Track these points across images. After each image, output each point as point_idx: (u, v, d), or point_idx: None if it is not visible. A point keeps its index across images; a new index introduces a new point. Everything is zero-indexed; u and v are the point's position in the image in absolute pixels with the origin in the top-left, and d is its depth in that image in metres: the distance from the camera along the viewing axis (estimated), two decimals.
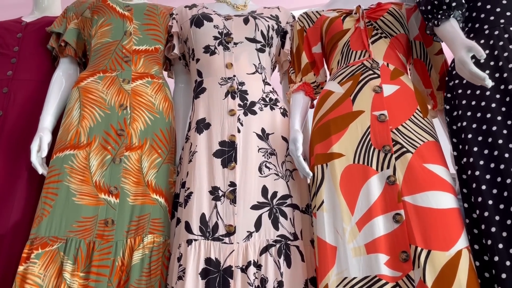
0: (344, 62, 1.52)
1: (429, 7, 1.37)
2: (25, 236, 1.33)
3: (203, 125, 1.46)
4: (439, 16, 1.33)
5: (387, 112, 1.33)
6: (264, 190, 1.35)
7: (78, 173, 1.34)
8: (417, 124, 1.33)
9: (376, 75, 1.41)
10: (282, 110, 1.54)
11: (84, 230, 1.27)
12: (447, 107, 1.37)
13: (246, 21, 1.61)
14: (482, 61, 1.30)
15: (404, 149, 1.27)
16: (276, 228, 1.30)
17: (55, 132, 1.50)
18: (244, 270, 1.23)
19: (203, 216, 1.30)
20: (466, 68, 1.16)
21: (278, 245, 1.27)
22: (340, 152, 1.32)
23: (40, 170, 1.38)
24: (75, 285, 1.19)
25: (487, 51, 1.31)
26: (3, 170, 1.45)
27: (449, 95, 1.38)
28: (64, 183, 1.32)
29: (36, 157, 1.38)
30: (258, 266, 1.24)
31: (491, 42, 1.31)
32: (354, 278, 1.15)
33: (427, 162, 1.25)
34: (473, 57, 1.19)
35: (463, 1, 1.35)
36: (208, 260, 1.24)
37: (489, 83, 1.12)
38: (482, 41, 1.34)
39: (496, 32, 1.32)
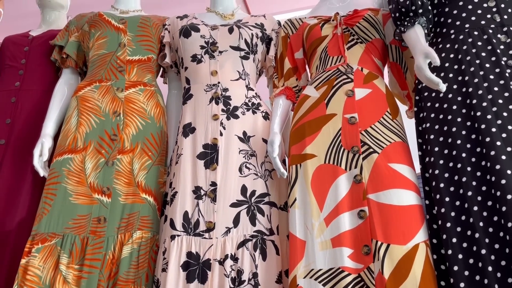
0: (321, 67, 1.60)
1: (397, 14, 1.45)
2: (29, 232, 1.48)
3: (189, 129, 1.58)
4: (405, 23, 1.41)
5: (357, 114, 1.42)
6: (244, 189, 1.46)
7: (75, 175, 1.48)
8: (386, 125, 1.41)
9: (349, 80, 1.49)
10: (263, 114, 1.64)
11: (79, 227, 1.41)
12: (415, 109, 1.45)
13: (230, 30, 1.72)
14: (447, 65, 1.37)
15: (371, 150, 1.35)
16: (253, 224, 1.41)
17: (56, 137, 1.64)
18: (221, 262, 1.34)
19: (186, 213, 1.42)
20: (422, 73, 1.23)
21: (254, 240, 1.38)
22: (313, 153, 1.41)
23: (42, 172, 1.53)
24: (70, 276, 1.33)
25: (452, 55, 1.37)
26: (11, 173, 1.60)
27: (417, 97, 1.45)
28: (62, 184, 1.46)
29: (38, 161, 1.53)
30: (235, 259, 1.35)
31: (456, 46, 1.38)
32: (320, 269, 1.24)
33: (392, 162, 1.33)
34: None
35: (429, 8, 1.42)
36: (189, 254, 1.35)
37: (443, 88, 1.19)
38: (448, 45, 1.40)
39: (461, 37, 1.38)
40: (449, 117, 1.30)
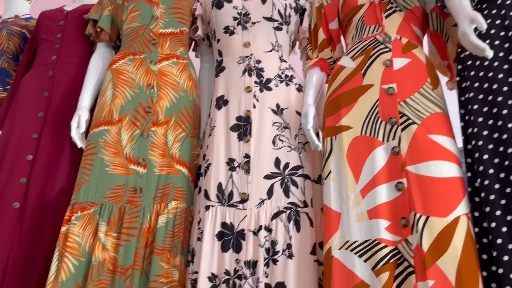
0: (358, 37, 1.55)
1: None
2: (68, 201, 1.52)
3: (221, 102, 1.57)
4: None
5: (396, 85, 1.37)
6: (277, 161, 1.45)
7: (111, 146, 1.51)
8: (426, 96, 1.36)
9: (387, 49, 1.44)
10: (297, 86, 1.61)
11: (116, 196, 1.44)
12: (458, 78, 1.38)
13: (263, 1, 1.68)
14: (493, 31, 1.30)
15: (410, 121, 1.30)
16: (287, 196, 1.40)
17: (92, 110, 1.67)
18: (255, 233, 1.34)
19: (220, 185, 1.42)
20: (467, 39, 1.17)
21: (288, 211, 1.37)
22: (349, 124, 1.38)
23: (79, 144, 1.56)
24: (108, 244, 1.36)
25: (498, 21, 1.30)
26: (50, 145, 1.65)
27: (459, 67, 1.39)
28: (99, 155, 1.49)
29: (76, 133, 1.56)
30: (269, 230, 1.35)
31: (502, 12, 1.30)
32: (356, 241, 1.23)
33: (432, 133, 1.28)
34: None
35: None
36: (223, 224, 1.36)
37: (490, 54, 1.13)
38: (494, 11, 1.33)
39: (508, 2, 1.30)
40: (495, 86, 1.23)
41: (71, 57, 1.84)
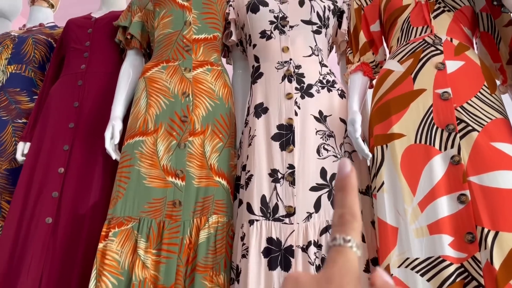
0: (404, 39, 1.47)
1: None
2: (102, 216, 1.46)
3: (261, 110, 1.50)
4: None
5: (450, 89, 1.28)
6: (323, 172, 1.37)
7: (147, 158, 1.44)
8: (484, 101, 1.27)
9: (438, 51, 1.36)
10: (339, 92, 1.53)
11: (155, 210, 1.37)
12: None
13: (301, 3, 1.61)
14: None
15: (470, 128, 1.22)
16: None
17: (125, 120, 1.61)
18: (304, 249, 1.26)
19: (263, 197, 1.34)
20: None
21: None
22: (401, 132, 1.30)
23: (114, 155, 1.49)
24: (148, 261, 1.29)
25: None
26: (82, 157, 1.58)
27: None
28: (135, 167, 1.42)
29: (110, 144, 1.49)
30: (318, 246, 1.27)
31: None
32: (417, 258, 1.14)
33: (495, 141, 1.19)
34: None
35: None
36: (269, 240, 1.28)
37: None
38: None
39: None
40: None
41: (100, 66, 1.78)
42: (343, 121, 1.46)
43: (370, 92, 1.57)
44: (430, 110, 1.28)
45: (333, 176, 1.36)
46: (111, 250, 1.30)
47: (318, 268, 1.24)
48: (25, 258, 1.41)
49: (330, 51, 1.73)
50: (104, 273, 1.27)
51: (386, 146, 1.31)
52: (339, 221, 0.31)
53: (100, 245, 1.32)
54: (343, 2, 1.70)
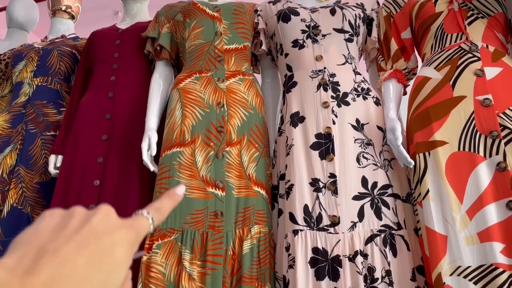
0: (438, 47, 1.48)
1: None
2: None
3: (297, 119, 1.50)
4: None
5: (491, 96, 1.29)
6: (364, 181, 1.37)
7: (186, 169, 1.44)
8: None
9: (476, 58, 1.37)
10: (375, 100, 1.53)
11: (197, 221, 1.36)
12: None
13: (333, 12, 1.62)
14: None
15: None
16: (379, 218, 1.32)
17: (159, 131, 1.61)
18: (351, 259, 1.26)
19: (306, 207, 1.34)
20: None
21: (382, 235, 1.29)
22: (443, 139, 1.30)
23: (152, 167, 1.49)
24: (194, 273, 1.29)
25: None
26: (117, 169, 1.58)
27: None
28: (174, 178, 1.42)
29: (147, 156, 1.49)
30: (364, 255, 1.27)
31: None
32: (469, 266, 1.14)
33: None
34: None
35: None
36: (315, 250, 1.28)
37: None
38: None
39: None
40: None
41: (130, 77, 1.79)
42: (380, 128, 1.47)
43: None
44: (472, 117, 1.29)
45: (374, 184, 1.36)
46: (156, 263, 1.30)
47: (365, 277, 1.24)
48: None
49: (359, 58, 1.74)
50: (150, 286, 1.26)
51: (429, 153, 1.31)
52: (153, 207, 0.40)
53: (144, 258, 1.32)
54: (372, 10, 1.71)
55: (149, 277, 1.28)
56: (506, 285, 1.09)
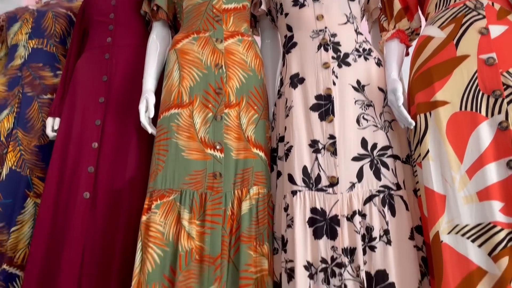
0: (443, 5, 1.43)
1: None
2: (140, 190, 1.46)
3: (297, 80, 1.47)
4: None
5: (495, 54, 1.26)
6: (364, 142, 1.36)
7: (184, 130, 1.43)
8: None
9: (481, 16, 1.33)
10: (376, 60, 1.50)
11: (196, 182, 1.36)
12: None
13: None
14: None
15: None
16: (379, 178, 1.31)
17: (156, 93, 1.58)
18: (349, 219, 1.26)
19: (305, 168, 1.34)
20: None
21: (381, 195, 1.29)
22: (445, 99, 1.28)
23: (150, 129, 1.48)
24: (193, 232, 1.29)
25: None
26: (115, 131, 1.57)
27: None
28: (172, 140, 1.41)
29: (145, 118, 1.47)
30: (362, 215, 1.27)
31: None
32: (467, 225, 1.14)
33: None
34: None
35: None
36: (314, 210, 1.28)
37: None
38: None
39: None
40: None
41: (127, 38, 1.75)
42: (381, 90, 1.44)
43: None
44: (475, 76, 1.26)
45: (374, 145, 1.35)
46: (155, 222, 1.30)
47: (363, 237, 1.24)
48: (67, 232, 1.42)
49: (361, 19, 1.69)
50: (150, 244, 1.27)
51: (430, 113, 1.29)
52: None
53: (144, 218, 1.32)
54: None
55: (148, 236, 1.29)
56: (504, 242, 1.09)
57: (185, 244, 1.27)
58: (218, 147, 1.40)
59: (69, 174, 1.52)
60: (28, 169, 1.68)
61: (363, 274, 1.18)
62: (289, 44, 1.56)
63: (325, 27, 1.50)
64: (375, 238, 1.23)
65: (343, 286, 1.18)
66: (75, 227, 1.42)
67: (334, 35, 1.49)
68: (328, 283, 1.19)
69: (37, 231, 1.47)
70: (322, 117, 1.39)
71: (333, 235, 1.24)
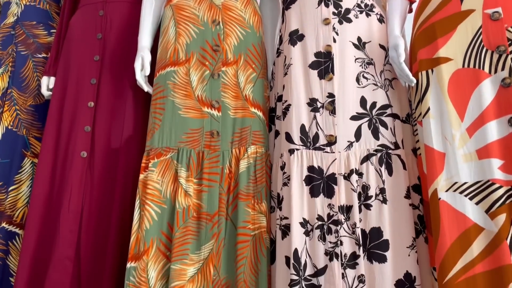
0: None
1: None
2: (137, 149, 1.45)
3: (296, 37, 1.43)
4: None
5: (501, 9, 1.21)
6: (363, 101, 1.33)
7: (181, 88, 1.40)
8: None
9: None
10: (378, 17, 1.45)
11: (193, 140, 1.35)
12: None
13: None
14: None
15: None
16: (377, 138, 1.30)
17: (152, 51, 1.54)
18: (347, 177, 1.25)
19: (302, 127, 1.32)
20: None
21: (379, 154, 1.27)
22: (448, 56, 1.24)
23: (146, 88, 1.45)
24: (190, 189, 1.29)
25: None
26: (111, 90, 1.54)
27: None
28: (169, 98, 1.39)
29: (141, 76, 1.45)
30: (359, 174, 1.26)
31: None
32: (465, 183, 1.13)
33: None
34: None
35: None
36: (311, 168, 1.27)
37: None
38: None
39: None
40: None
41: None
42: (382, 47, 1.40)
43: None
44: (479, 32, 1.22)
45: (373, 104, 1.33)
46: (152, 180, 1.30)
47: (359, 195, 1.24)
48: (65, 191, 1.42)
49: None
50: (147, 202, 1.27)
51: (432, 71, 1.26)
52: None
53: (141, 176, 1.32)
54: None
55: (146, 193, 1.29)
56: (502, 200, 1.08)
57: (183, 201, 1.27)
58: (215, 105, 1.38)
59: (66, 134, 1.50)
60: (25, 129, 1.66)
61: (358, 231, 1.18)
62: (289, 0, 1.50)
63: None
64: (371, 197, 1.23)
65: (339, 242, 1.19)
66: (73, 186, 1.42)
67: None
68: (324, 240, 1.20)
69: (35, 191, 1.47)
70: (321, 75, 1.36)
71: (330, 193, 1.24)
